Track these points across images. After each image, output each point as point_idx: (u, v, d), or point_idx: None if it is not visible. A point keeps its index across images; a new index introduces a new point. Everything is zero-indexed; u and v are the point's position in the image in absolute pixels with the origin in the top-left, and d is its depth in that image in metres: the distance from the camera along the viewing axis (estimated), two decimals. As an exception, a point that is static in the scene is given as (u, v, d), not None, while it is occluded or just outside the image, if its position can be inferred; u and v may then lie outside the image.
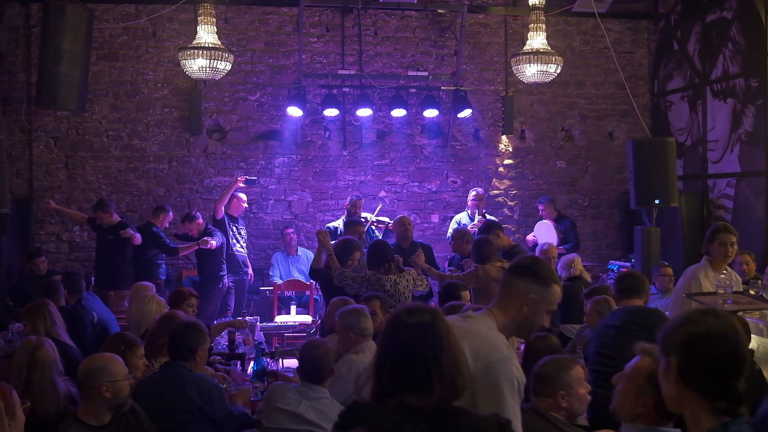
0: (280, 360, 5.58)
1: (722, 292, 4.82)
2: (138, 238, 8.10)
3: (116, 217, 8.33)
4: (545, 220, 9.27)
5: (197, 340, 4.20)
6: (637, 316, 4.43)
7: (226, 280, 8.50)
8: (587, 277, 7.37)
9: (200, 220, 8.46)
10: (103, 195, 9.18)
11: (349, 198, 9.14)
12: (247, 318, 7.48)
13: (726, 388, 1.99)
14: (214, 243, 8.22)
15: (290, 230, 9.47)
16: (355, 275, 6.25)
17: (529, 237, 9.35)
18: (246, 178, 8.82)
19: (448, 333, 2.13)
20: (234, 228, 8.76)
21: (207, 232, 8.36)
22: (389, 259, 6.30)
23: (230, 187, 8.67)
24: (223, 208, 8.59)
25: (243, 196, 8.93)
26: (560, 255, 7.88)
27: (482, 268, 6.50)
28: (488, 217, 8.75)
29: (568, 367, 3.34)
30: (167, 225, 8.67)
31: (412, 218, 9.86)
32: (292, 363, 5.75)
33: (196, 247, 8.26)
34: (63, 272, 7.59)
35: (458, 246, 7.54)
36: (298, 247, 9.50)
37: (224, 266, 8.49)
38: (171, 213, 8.70)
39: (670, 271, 7.32)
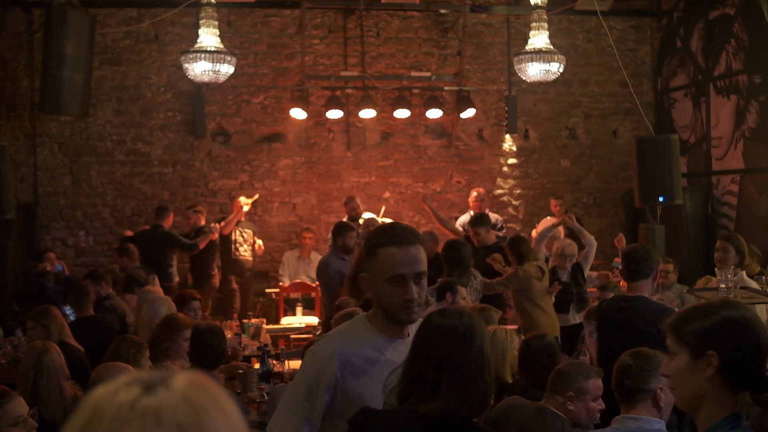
0: (286, 362, 5.58)
1: (724, 287, 4.79)
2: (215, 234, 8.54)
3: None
4: (549, 218, 9.25)
5: (222, 346, 4.14)
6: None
7: (216, 281, 8.72)
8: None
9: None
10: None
11: (346, 199, 9.13)
12: (252, 320, 7.52)
13: (762, 375, 1.88)
14: (218, 226, 8.60)
15: (310, 234, 9.41)
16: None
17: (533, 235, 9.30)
18: (244, 204, 8.90)
19: (473, 341, 1.99)
20: (237, 230, 8.78)
21: (201, 231, 8.55)
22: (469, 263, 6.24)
23: (234, 214, 8.84)
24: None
25: (240, 200, 8.95)
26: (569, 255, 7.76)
27: (521, 268, 6.44)
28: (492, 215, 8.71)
29: (589, 375, 3.28)
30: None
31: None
32: (298, 365, 5.74)
33: (210, 237, 8.48)
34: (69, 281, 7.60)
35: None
36: (312, 252, 9.46)
37: (214, 266, 8.70)
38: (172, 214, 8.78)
39: (670, 267, 7.29)
